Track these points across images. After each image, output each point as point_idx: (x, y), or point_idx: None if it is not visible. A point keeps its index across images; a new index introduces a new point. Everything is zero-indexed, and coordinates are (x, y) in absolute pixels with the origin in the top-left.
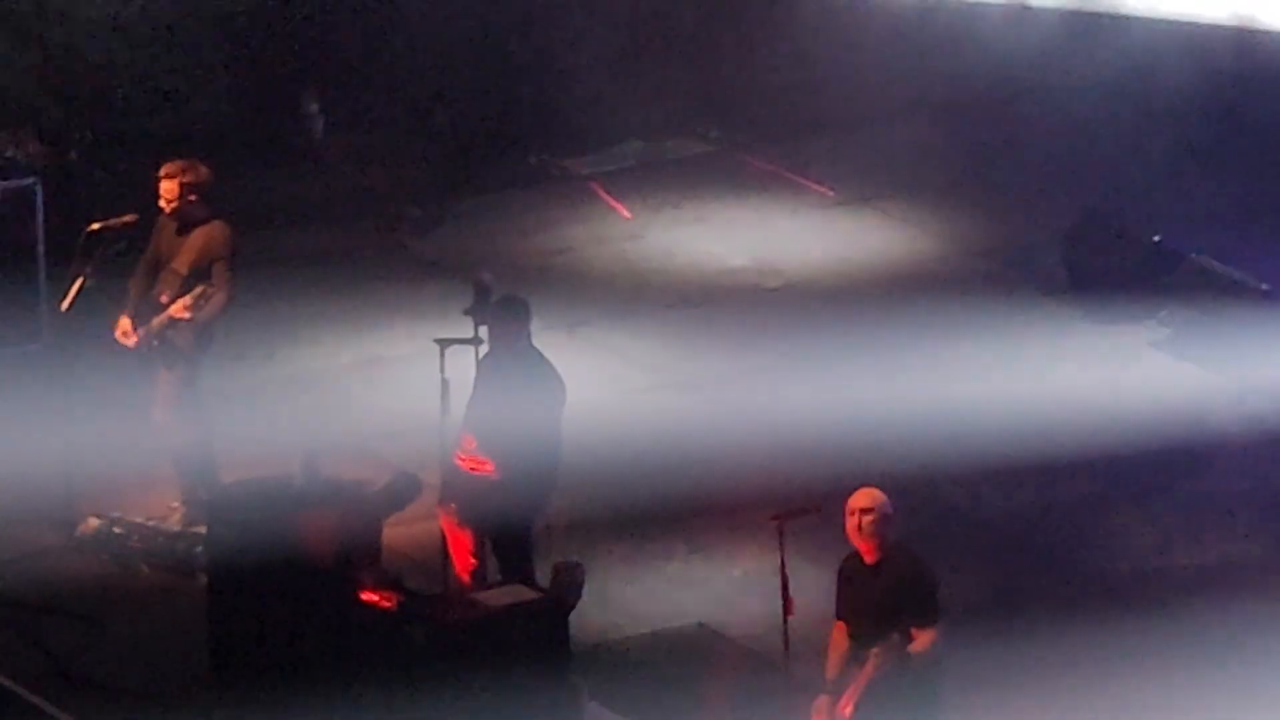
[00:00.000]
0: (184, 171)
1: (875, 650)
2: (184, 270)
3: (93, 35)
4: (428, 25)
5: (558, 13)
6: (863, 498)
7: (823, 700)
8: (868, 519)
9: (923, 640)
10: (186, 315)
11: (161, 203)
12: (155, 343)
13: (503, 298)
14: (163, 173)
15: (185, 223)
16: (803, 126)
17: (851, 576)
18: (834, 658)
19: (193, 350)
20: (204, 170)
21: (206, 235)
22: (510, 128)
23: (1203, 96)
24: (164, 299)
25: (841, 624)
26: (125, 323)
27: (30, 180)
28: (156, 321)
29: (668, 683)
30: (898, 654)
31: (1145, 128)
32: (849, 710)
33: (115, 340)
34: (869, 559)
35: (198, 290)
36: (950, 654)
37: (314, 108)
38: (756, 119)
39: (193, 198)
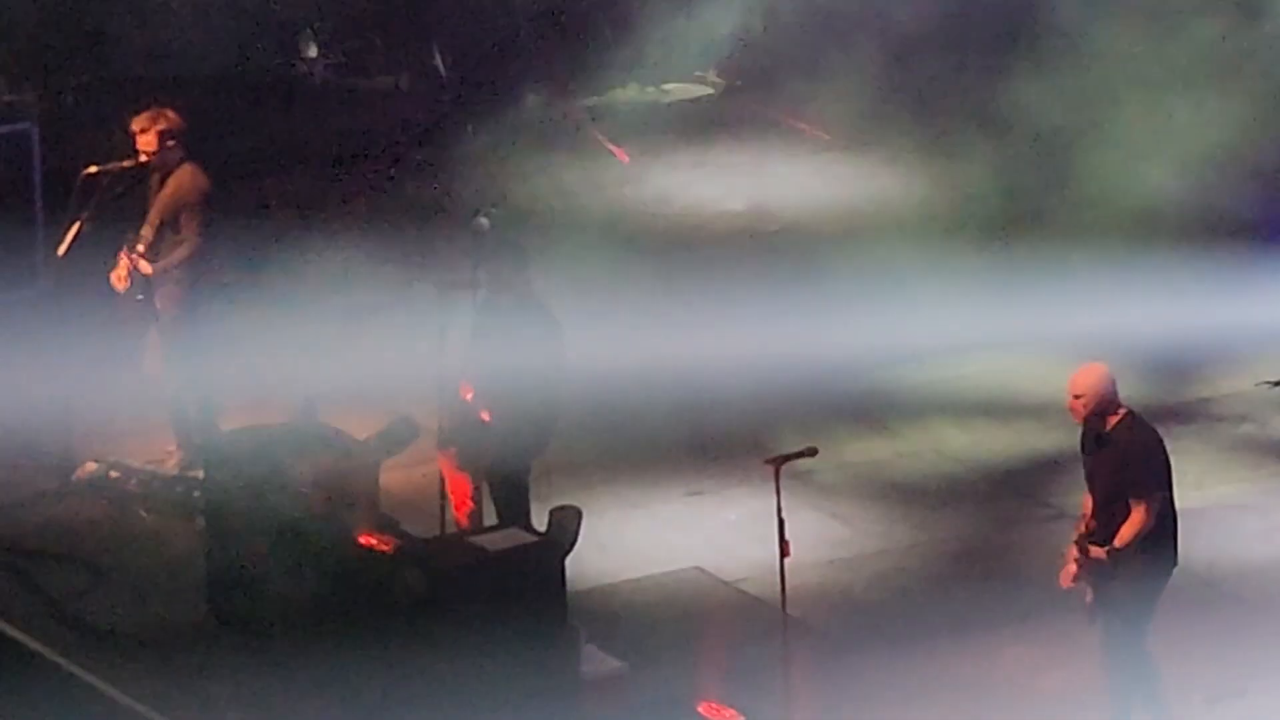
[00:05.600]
0: (156, 120)
1: (1094, 549)
2: (156, 220)
3: None
4: None
5: None
6: (1075, 380)
7: (1072, 547)
8: (1077, 403)
9: (1134, 521)
10: (148, 270)
11: (141, 156)
12: (139, 295)
13: (501, 242)
14: (136, 127)
15: (164, 172)
16: (799, 70)
17: (1085, 445)
18: (1081, 522)
19: (183, 299)
20: (174, 115)
21: (177, 182)
22: (509, 70)
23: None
24: (140, 249)
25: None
26: (121, 275)
27: (26, 125)
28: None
29: (664, 626)
30: (1103, 557)
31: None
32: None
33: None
34: (1100, 429)
35: (172, 253)
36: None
37: (312, 51)
38: (754, 62)
39: (170, 143)
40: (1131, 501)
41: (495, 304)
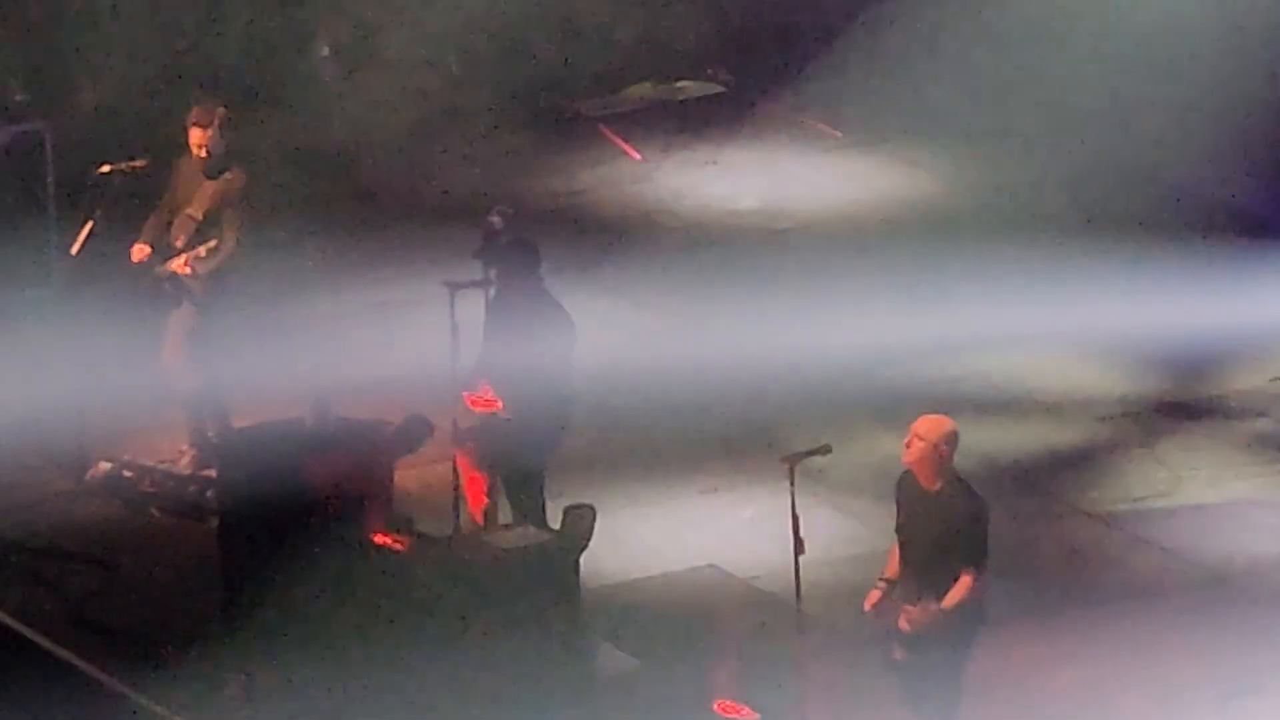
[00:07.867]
0: (214, 113)
1: (908, 609)
2: (199, 215)
3: None
4: None
5: None
6: (922, 424)
7: (875, 593)
8: (915, 444)
9: (961, 586)
10: (187, 271)
11: (198, 150)
12: (167, 285)
13: (513, 240)
14: (196, 120)
15: (212, 168)
16: (810, 68)
17: (908, 497)
18: (889, 570)
19: (204, 293)
20: (225, 111)
21: (226, 182)
22: (520, 69)
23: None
24: (178, 243)
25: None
26: (142, 247)
27: (40, 124)
28: (165, 268)
29: (679, 624)
30: (930, 613)
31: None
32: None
33: (130, 266)
34: (925, 484)
35: (208, 244)
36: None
37: (325, 50)
38: (765, 60)
39: (225, 140)
40: (961, 569)
41: (508, 302)
